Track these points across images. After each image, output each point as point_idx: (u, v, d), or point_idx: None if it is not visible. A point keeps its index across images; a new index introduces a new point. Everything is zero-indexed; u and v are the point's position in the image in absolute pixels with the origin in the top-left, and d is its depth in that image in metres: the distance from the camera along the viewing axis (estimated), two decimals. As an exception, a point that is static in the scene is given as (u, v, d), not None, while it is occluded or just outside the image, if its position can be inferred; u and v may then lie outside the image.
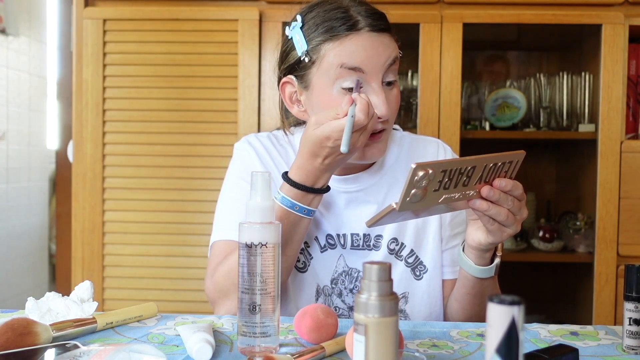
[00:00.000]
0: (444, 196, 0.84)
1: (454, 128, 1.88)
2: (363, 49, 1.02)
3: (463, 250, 1.04)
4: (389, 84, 1.05)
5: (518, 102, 2.11)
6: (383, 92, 1.03)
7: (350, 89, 1.02)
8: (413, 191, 0.80)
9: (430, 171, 0.79)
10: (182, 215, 1.92)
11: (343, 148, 0.93)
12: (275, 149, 1.18)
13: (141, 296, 1.91)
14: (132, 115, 1.92)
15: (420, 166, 0.78)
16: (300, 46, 1.05)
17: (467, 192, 0.88)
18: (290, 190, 1.01)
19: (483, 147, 2.32)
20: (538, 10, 1.89)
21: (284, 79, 1.10)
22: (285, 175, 1.02)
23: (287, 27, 1.09)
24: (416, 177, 0.78)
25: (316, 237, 1.14)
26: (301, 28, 1.05)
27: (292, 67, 1.08)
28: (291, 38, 1.07)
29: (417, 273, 1.15)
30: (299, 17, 1.06)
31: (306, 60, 1.04)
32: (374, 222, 0.86)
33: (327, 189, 1.04)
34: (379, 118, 1.03)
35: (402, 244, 1.14)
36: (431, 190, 0.82)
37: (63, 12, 2.65)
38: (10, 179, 3.00)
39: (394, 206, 0.81)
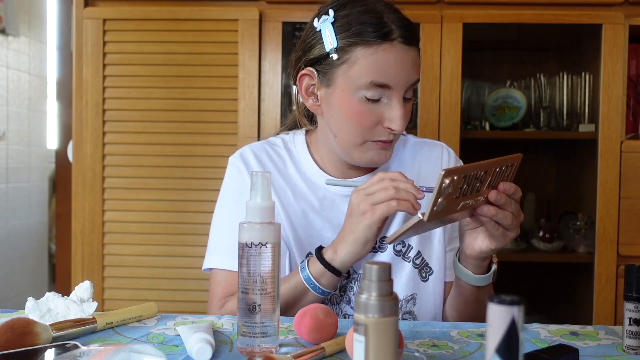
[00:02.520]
0: (461, 203, 0.83)
1: (454, 128, 1.88)
2: (394, 64, 1.00)
3: (459, 260, 1.03)
4: (406, 99, 1.05)
5: (518, 102, 2.10)
6: (402, 108, 1.03)
7: (372, 100, 1.02)
8: (440, 200, 0.79)
9: (456, 177, 0.78)
10: (182, 215, 1.92)
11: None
12: (270, 159, 1.16)
13: (141, 296, 1.91)
14: (132, 115, 1.92)
15: (448, 172, 0.76)
16: (330, 42, 1.02)
17: (478, 198, 0.87)
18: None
19: (483, 148, 2.32)
20: (538, 10, 1.89)
21: (303, 71, 1.07)
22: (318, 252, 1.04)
23: (315, 19, 1.05)
24: (444, 184, 0.77)
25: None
26: (332, 23, 1.02)
27: (317, 60, 1.05)
28: (319, 31, 1.03)
29: (423, 275, 1.14)
30: (331, 12, 1.03)
31: (334, 57, 1.02)
32: (395, 239, 0.84)
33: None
34: (392, 131, 1.03)
35: (409, 245, 1.13)
36: (453, 198, 0.81)
37: (63, 12, 2.65)
38: (10, 179, 3.00)
39: (421, 217, 0.80)
